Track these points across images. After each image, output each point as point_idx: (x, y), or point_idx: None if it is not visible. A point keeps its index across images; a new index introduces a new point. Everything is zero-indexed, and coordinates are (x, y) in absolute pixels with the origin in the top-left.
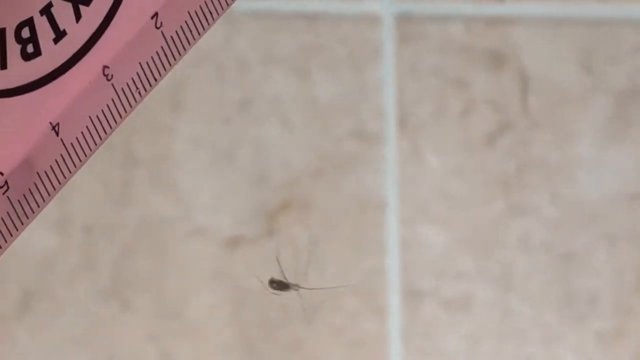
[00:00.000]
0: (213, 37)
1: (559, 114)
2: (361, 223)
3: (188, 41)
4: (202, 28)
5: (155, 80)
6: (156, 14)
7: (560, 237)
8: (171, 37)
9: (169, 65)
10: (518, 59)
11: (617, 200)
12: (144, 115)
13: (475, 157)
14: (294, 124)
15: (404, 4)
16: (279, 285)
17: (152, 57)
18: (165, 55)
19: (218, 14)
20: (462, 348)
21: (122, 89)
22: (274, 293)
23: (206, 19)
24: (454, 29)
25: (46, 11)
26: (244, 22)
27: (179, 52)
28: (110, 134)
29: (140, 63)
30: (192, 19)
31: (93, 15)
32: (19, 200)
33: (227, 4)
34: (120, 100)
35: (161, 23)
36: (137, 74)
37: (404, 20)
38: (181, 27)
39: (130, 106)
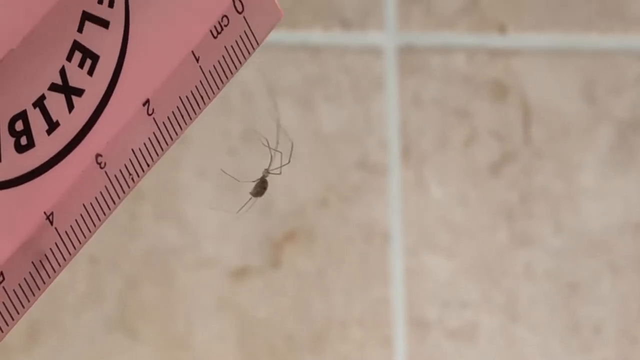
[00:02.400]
0: None
1: (562, 144)
2: (366, 253)
3: (180, 126)
4: (193, 113)
5: (148, 165)
6: (148, 101)
7: (564, 267)
8: (163, 123)
9: (161, 151)
10: (520, 89)
11: (621, 230)
12: None
13: (478, 186)
14: (299, 155)
15: (406, 35)
16: (260, 188)
17: (144, 144)
18: (158, 141)
19: (209, 98)
20: None
21: (116, 176)
22: (259, 195)
23: (197, 104)
24: (456, 60)
25: (39, 103)
26: None
27: (171, 137)
28: (105, 220)
29: (132, 150)
30: (183, 104)
31: (85, 105)
32: (14, 290)
33: (219, 88)
34: (114, 187)
35: (153, 110)
36: (130, 160)
37: (407, 51)
38: (173, 112)
39: (124, 192)
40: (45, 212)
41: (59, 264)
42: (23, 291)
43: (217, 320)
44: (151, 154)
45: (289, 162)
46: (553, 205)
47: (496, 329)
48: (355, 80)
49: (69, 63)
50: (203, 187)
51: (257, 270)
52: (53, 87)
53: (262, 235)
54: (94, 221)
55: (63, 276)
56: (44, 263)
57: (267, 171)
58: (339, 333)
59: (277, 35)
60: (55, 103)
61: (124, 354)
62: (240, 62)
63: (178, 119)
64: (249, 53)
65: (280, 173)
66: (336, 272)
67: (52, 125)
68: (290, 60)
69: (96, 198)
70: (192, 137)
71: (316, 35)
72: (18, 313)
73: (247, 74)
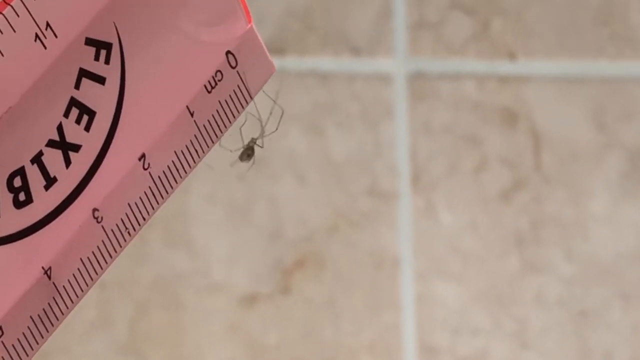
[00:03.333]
0: None
1: (572, 171)
2: (376, 279)
3: (175, 180)
4: (188, 166)
5: (144, 219)
6: (143, 156)
7: (575, 294)
8: (159, 177)
9: (157, 204)
10: (530, 116)
11: (632, 257)
12: None
13: (489, 213)
14: (309, 181)
15: (416, 62)
16: (247, 154)
17: (140, 198)
18: (154, 195)
19: (204, 152)
20: None
21: (112, 230)
22: (246, 160)
23: (192, 158)
24: (466, 87)
25: (37, 160)
26: None
27: (166, 190)
28: (102, 274)
29: (129, 204)
30: (178, 158)
31: (82, 160)
32: (13, 345)
33: (213, 142)
34: (110, 241)
35: (149, 164)
36: (127, 214)
37: (417, 78)
38: (168, 166)
39: (120, 246)
40: (43, 267)
41: (57, 317)
42: (22, 345)
43: (227, 346)
44: (147, 208)
45: (277, 129)
46: (563, 232)
47: (507, 356)
48: (365, 106)
49: (66, 119)
50: (212, 213)
51: (267, 296)
52: (50, 143)
53: (271, 261)
54: (92, 275)
55: None
56: (42, 317)
57: (253, 140)
58: None
59: (286, 62)
60: (53, 159)
61: None
62: (234, 116)
63: (173, 172)
64: (242, 107)
65: (262, 147)
66: (346, 298)
67: (50, 181)
68: (299, 87)
69: (93, 252)
70: (202, 162)
71: (326, 62)
72: None
73: (256, 99)
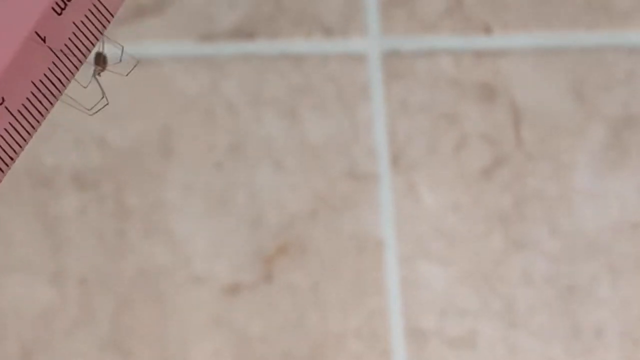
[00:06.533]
0: (200, 82)
1: (554, 145)
2: (359, 263)
3: (39, 112)
4: (52, 96)
5: (12, 159)
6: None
7: (562, 270)
8: (18, 110)
9: (23, 141)
10: (509, 91)
11: (618, 230)
12: (134, 164)
13: (471, 192)
14: (287, 167)
15: (390, 40)
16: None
17: (1, 136)
18: (17, 131)
19: (68, 79)
20: None
21: None
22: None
23: (55, 87)
24: (442, 64)
25: None
26: (230, 65)
27: (31, 125)
28: None
29: None
30: (38, 88)
31: None
32: None
33: (76, 68)
34: None
35: (2, 98)
36: None
37: (391, 56)
38: (28, 99)
39: None
40: None
41: None
42: None
43: (212, 338)
44: (12, 146)
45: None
46: (548, 208)
47: (496, 335)
48: (341, 88)
49: None
50: (191, 203)
51: (250, 286)
52: None
53: (252, 250)
54: None
55: (53, 298)
56: None
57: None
58: (337, 346)
59: (258, 46)
60: None
61: None
62: (96, 37)
63: (35, 104)
64: (103, 26)
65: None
66: (330, 284)
67: None
68: (272, 70)
69: None
70: (178, 152)
71: (298, 44)
72: None
73: (230, 85)
